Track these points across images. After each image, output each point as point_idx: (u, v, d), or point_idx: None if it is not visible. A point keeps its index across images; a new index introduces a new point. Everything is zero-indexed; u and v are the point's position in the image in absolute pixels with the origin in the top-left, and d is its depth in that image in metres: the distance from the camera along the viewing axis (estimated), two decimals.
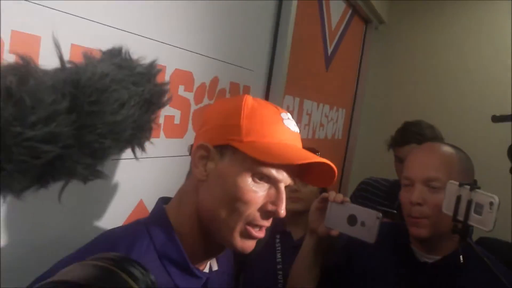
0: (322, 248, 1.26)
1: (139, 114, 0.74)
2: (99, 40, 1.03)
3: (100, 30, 1.04)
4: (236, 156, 0.81)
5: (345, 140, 3.34)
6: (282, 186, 0.85)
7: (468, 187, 1.03)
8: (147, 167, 1.27)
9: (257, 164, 0.80)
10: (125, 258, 0.57)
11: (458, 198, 1.04)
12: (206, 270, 0.93)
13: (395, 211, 1.33)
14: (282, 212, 0.85)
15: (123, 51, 0.83)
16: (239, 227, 0.83)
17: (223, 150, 0.82)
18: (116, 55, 0.80)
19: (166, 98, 0.84)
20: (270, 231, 1.76)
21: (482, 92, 3.17)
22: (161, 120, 1.29)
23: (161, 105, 0.82)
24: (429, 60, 3.36)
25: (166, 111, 1.30)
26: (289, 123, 0.87)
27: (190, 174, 0.89)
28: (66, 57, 0.95)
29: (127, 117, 0.72)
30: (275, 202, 0.84)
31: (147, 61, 0.85)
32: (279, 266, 1.71)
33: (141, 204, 1.27)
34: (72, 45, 0.97)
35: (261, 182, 0.82)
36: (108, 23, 1.05)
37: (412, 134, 2.11)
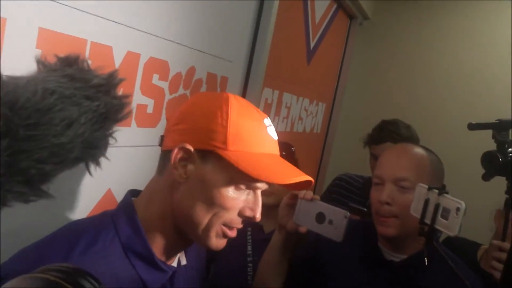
0: (290, 244, 1.27)
1: (91, 132, 0.68)
2: (69, 25, 1.01)
3: (70, 14, 1.00)
4: (220, 163, 0.81)
5: (324, 135, 3.35)
6: (259, 192, 0.88)
7: (436, 191, 1.04)
8: (117, 156, 1.25)
9: (242, 175, 0.80)
10: (76, 270, 0.54)
11: (426, 202, 1.06)
12: (174, 264, 0.92)
13: (365, 209, 1.34)
14: (258, 216, 0.88)
15: (80, 59, 0.75)
16: (215, 229, 0.85)
17: (206, 154, 0.82)
18: (71, 64, 0.73)
19: (125, 112, 0.77)
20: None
21: (462, 95, 3.21)
22: (133, 110, 1.26)
23: (118, 120, 0.76)
24: (412, 58, 3.38)
25: (139, 100, 1.28)
26: (271, 130, 0.88)
27: (163, 170, 0.87)
28: (34, 41, 0.94)
29: (75, 137, 0.66)
30: (253, 208, 0.87)
31: (106, 70, 0.80)
32: (249, 259, 1.71)
33: (109, 194, 1.25)
34: (40, 28, 0.94)
35: (242, 189, 0.85)
36: (79, 7, 1.02)
37: (388, 133, 2.12)
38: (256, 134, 0.85)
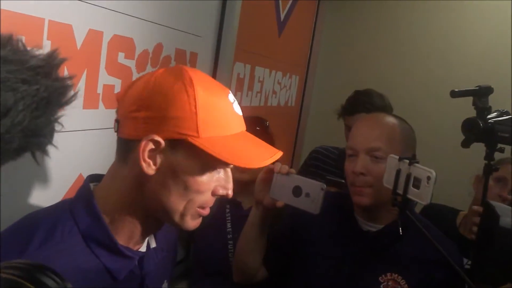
0: (268, 219, 1.27)
1: (31, 119, 0.61)
2: (24, 4, 0.95)
3: None
4: (192, 151, 0.78)
5: (298, 108, 3.33)
6: (229, 169, 0.86)
7: (407, 161, 1.05)
8: (86, 139, 1.21)
9: (216, 161, 0.79)
10: (34, 266, 0.51)
11: (398, 172, 1.06)
12: (143, 248, 0.90)
13: (343, 181, 1.34)
14: (230, 193, 0.87)
15: (14, 39, 0.67)
16: (191, 212, 0.83)
17: (176, 143, 0.78)
18: (4, 46, 0.65)
19: (70, 95, 0.70)
20: (220, 200, 1.76)
21: (437, 61, 3.21)
22: (99, 90, 1.22)
23: (62, 104, 0.69)
24: (385, 25, 3.36)
25: (105, 80, 1.23)
26: (236, 106, 0.85)
27: (126, 158, 0.82)
28: None
29: (12, 127, 0.58)
30: (225, 185, 0.85)
31: (65, 51, 0.73)
32: (229, 236, 1.71)
33: (80, 178, 1.21)
34: None
35: (214, 171, 0.83)
36: None
37: (361, 103, 2.12)
38: (225, 115, 0.82)
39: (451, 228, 1.79)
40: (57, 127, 0.68)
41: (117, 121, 0.83)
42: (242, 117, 0.86)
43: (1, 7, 0.90)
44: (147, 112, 0.78)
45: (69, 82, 0.68)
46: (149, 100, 0.78)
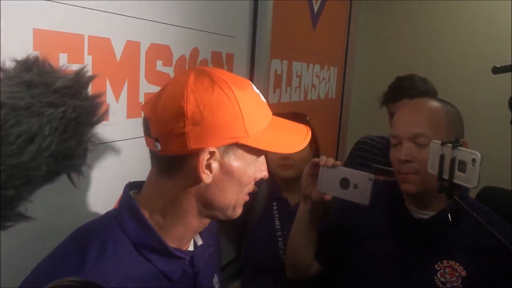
0: (317, 213, 1.27)
1: (60, 142, 0.59)
2: (63, 22, 0.99)
3: (63, 10, 0.98)
4: (242, 150, 0.82)
5: (339, 99, 3.29)
6: None
7: (450, 145, 1.01)
8: (132, 147, 1.24)
9: (261, 152, 0.85)
10: (85, 284, 0.52)
11: (442, 157, 1.03)
12: (191, 247, 0.92)
13: (391, 169, 1.31)
14: (266, 173, 0.91)
15: (40, 60, 0.65)
16: (240, 202, 0.88)
17: (228, 147, 0.81)
18: (29, 68, 0.63)
19: (100, 113, 0.67)
20: (267, 198, 1.76)
21: (479, 43, 3.08)
22: (141, 99, 1.25)
23: (93, 123, 0.66)
24: (423, 11, 3.26)
25: (146, 89, 1.26)
26: (261, 95, 0.88)
27: (173, 173, 0.81)
28: (29, 44, 0.92)
29: (39, 153, 0.56)
30: (262, 168, 0.89)
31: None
32: (278, 233, 1.71)
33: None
34: (35, 30, 0.93)
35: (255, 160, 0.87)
36: (71, 2, 1.00)
37: (404, 89, 2.07)
38: (259, 108, 0.85)
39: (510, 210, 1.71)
40: (91, 146, 0.66)
41: (156, 139, 0.80)
42: (267, 104, 0.89)
43: (42, 27, 0.94)
44: (193, 126, 0.76)
45: (98, 100, 0.66)
46: (192, 113, 0.76)
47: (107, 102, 1.13)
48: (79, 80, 0.64)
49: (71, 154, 0.61)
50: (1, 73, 0.60)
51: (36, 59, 0.63)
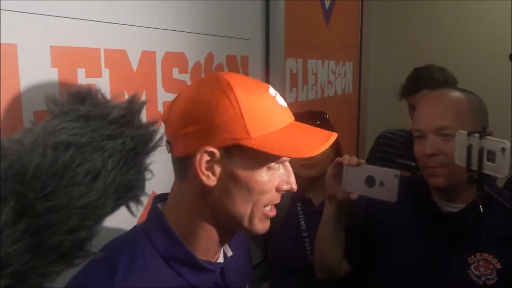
0: (343, 212, 1.25)
1: (122, 175, 0.56)
2: (79, 37, 0.99)
3: (78, 26, 0.99)
4: (246, 153, 0.77)
5: (357, 93, 3.25)
6: (288, 163, 0.85)
7: (477, 135, 0.98)
8: (155, 157, 1.24)
9: (271, 157, 0.79)
10: None
11: (469, 148, 1.00)
12: (221, 258, 0.91)
13: (413, 164, 1.29)
14: (294, 186, 0.85)
15: (93, 91, 0.62)
16: (258, 215, 0.82)
17: (229, 149, 0.78)
18: (83, 100, 0.61)
19: (155, 140, 0.66)
20: (291, 199, 1.75)
21: (495, 30, 3.02)
22: (159, 108, 1.25)
23: (149, 151, 0.65)
24: (437, 1, 3.21)
25: (164, 98, 1.26)
26: (280, 99, 0.84)
27: (185, 175, 0.82)
28: (47, 61, 0.93)
29: (105, 190, 0.55)
30: (288, 180, 0.84)
31: (122, 96, 0.72)
32: (304, 234, 1.70)
33: (153, 195, 1.24)
34: (52, 47, 0.93)
35: (273, 168, 0.82)
36: (85, 17, 1.00)
37: (422, 80, 2.04)
38: (270, 110, 0.80)
39: None
40: (148, 175, 0.64)
41: (168, 142, 0.83)
42: (287, 108, 0.85)
43: (58, 44, 0.94)
44: (194, 127, 0.77)
45: (153, 127, 0.65)
46: (193, 114, 0.78)
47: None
48: (132, 108, 0.63)
49: (131, 186, 0.60)
50: (50, 105, 0.58)
51: (88, 90, 0.62)
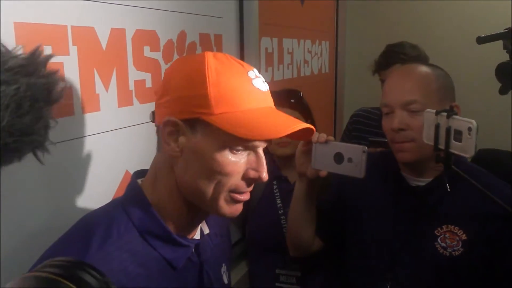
0: (314, 190, 1.26)
1: (15, 118, 0.60)
2: (45, 14, 0.97)
3: (44, 1, 0.96)
4: (209, 129, 0.77)
5: (333, 73, 3.27)
6: (260, 151, 0.83)
7: (445, 114, 1.00)
8: (126, 136, 1.24)
9: (234, 138, 0.76)
10: (75, 264, 0.52)
11: (437, 127, 1.01)
12: (197, 235, 0.92)
13: (385, 140, 1.30)
14: (264, 176, 0.82)
15: None
16: (223, 196, 0.81)
17: (194, 123, 0.78)
18: None
19: (57, 90, 0.67)
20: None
21: (473, 11, 3.05)
22: (131, 87, 1.24)
23: (51, 101, 0.67)
24: None
25: (135, 76, 1.25)
26: (258, 82, 0.81)
27: (159, 145, 0.84)
28: (11, 38, 0.91)
29: None
30: (257, 168, 0.81)
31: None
32: (280, 212, 1.71)
33: (127, 175, 1.24)
34: (16, 23, 0.91)
35: (239, 152, 0.80)
36: None
37: (394, 54, 2.06)
38: (240, 90, 0.78)
39: (509, 171, 1.71)
40: (52, 123, 0.67)
41: (153, 112, 0.86)
42: (266, 93, 0.83)
43: (23, 20, 0.92)
44: (167, 96, 0.80)
45: (54, 77, 0.67)
46: (167, 84, 0.82)
47: (96, 93, 1.12)
48: (34, 60, 0.65)
49: (29, 131, 0.63)
50: None
51: None
